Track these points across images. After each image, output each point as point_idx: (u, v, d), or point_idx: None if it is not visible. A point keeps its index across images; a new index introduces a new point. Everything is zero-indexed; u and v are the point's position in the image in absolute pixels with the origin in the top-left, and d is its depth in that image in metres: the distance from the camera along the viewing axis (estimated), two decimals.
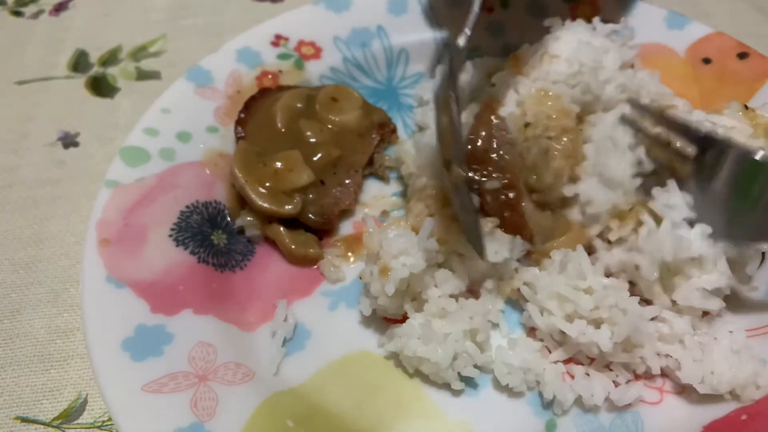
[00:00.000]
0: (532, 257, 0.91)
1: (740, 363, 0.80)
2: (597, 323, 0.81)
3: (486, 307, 0.86)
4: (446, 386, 0.83)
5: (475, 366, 0.83)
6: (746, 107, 0.93)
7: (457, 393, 0.83)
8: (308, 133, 1.03)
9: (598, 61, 1.02)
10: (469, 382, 0.84)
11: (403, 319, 0.86)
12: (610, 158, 0.88)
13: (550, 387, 0.81)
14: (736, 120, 0.91)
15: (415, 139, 1.01)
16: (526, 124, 1.01)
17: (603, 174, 0.88)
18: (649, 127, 0.89)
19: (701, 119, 0.91)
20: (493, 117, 0.93)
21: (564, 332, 0.82)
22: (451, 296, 0.86)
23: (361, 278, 0.88)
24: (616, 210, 0.88)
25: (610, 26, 1.08)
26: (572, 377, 0.84)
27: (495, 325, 0.89)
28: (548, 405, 0.82)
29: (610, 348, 0.79)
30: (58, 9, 1.43)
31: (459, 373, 0.83)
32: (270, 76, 1.11)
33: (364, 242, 0.89)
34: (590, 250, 0.89)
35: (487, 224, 0.88)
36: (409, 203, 0.97)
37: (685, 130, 0.85)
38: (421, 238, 0.83)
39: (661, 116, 0.88)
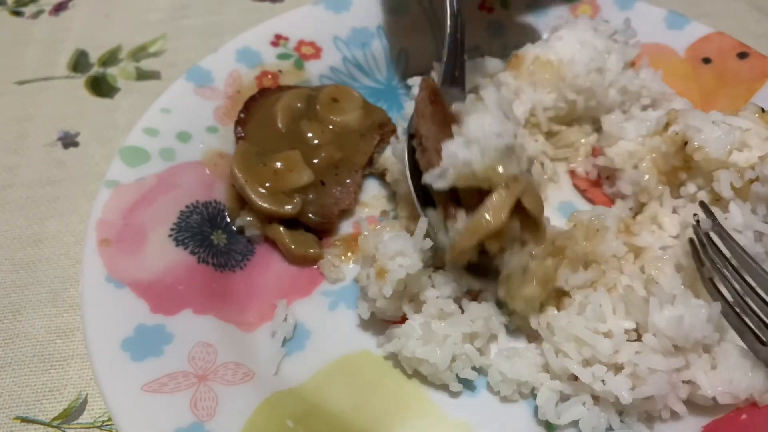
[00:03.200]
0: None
1: (755, 368, 0.78)
2: (616, 368, 0.78)
3: (488, 311, 0.85)
4: (446, 386, 0.83)
5: (474, 368, 0.83)
6: (762, 110, 0.93)
7: (456, 393, 0.83)
8: (310, 135, 1.03)
9: (602, 65, 1.02)
10: (468, 384, 0.84)
11: (402, 320, 0.86)
12: (477, 117, 0.81)
13: (543, 410, 0.79)
14: (752, 122, 0.91)
15: (394, 147, 1.00)
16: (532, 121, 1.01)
17: (467, 134, 0.80)
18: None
19: (718, 120, 0.91)
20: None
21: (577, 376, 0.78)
22: (449, 298, 0.85)
23: (357, 281, 0.87)
24: (471, 172, 0.79)
25: (613, 26, 1.08)
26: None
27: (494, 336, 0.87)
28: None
29: (630, 401, 0.75)
30: (58, 9, 1.43)
31: (457, 375, 0.82)
32: (270, 76, 1.11)
33: (359, 245, 0.89)
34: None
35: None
36: (398, 207, 0.97)
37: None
38: (416, 239, 0.83)
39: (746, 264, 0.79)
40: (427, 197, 0.86)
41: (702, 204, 0.88)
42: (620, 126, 1.00)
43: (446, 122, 0.85)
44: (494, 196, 0.78)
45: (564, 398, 0.80)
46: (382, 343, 0.86)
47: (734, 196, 0.87)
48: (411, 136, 0.87)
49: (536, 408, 0.81)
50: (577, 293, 0.83)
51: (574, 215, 0.88)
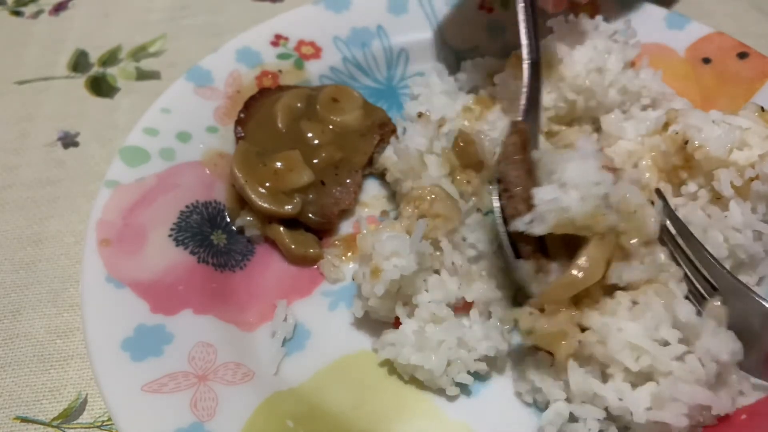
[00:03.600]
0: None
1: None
2: (646, 379, 0.75)
3: (497, 330, 0.83)
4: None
5: (469, 372, 0.82)
6: (762, 109, 0.92)
7: (454, 397, 0.83)
8: (310, 135, 1.03)
9: (602, 65, 1.02)
10: (464, 388, 0.83)
11: (396, 322, 0.85)
12: (576, 164, 0.79)
13: (549, 429, 0.77)
14: (752, 121, 0.91)
15: (394, 146, 1.00)
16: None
17: (566, 180, 0.78)
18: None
19: (717, 119, 0.91)
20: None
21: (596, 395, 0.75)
22: (441, 302, 0.84)
23: (354, 279, 0.87)
24: (570, 219, 0.75)
25: (613, 26, 1.08)
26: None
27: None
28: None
29: (643, 421, 0.72)
30: (58, 9, 1.43)
31: (453, 379, 0.82)
32: (270, 76, 1.11)
33: (357, 244, 0.88)
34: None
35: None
36: (398, 207, 0.97)
37: (711, 268, 0.81)
38: (413, 240, 0.82)
39: (693, 243, 0.83)
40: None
41: (657, 191, 0.90)
42: (620, 126, 1.00)
43: (530, 169, 0.84)
44: (591, 249, 0.75)
45: (572, 419, 0.78)
46: (377, 348, 0.86)
47: (735, 194, 0.87)
48: (498, 180, 0.84)
49: (536, 407, 0.81)
50: (621, 296, 0.78)
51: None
